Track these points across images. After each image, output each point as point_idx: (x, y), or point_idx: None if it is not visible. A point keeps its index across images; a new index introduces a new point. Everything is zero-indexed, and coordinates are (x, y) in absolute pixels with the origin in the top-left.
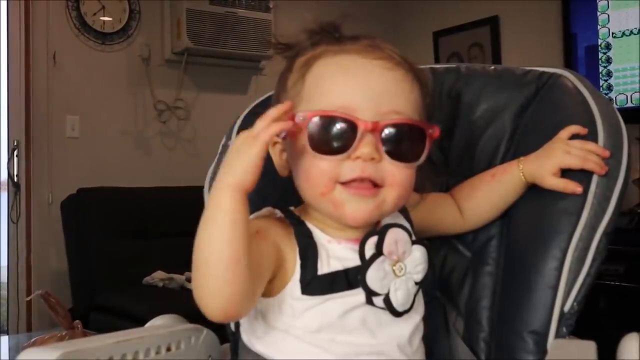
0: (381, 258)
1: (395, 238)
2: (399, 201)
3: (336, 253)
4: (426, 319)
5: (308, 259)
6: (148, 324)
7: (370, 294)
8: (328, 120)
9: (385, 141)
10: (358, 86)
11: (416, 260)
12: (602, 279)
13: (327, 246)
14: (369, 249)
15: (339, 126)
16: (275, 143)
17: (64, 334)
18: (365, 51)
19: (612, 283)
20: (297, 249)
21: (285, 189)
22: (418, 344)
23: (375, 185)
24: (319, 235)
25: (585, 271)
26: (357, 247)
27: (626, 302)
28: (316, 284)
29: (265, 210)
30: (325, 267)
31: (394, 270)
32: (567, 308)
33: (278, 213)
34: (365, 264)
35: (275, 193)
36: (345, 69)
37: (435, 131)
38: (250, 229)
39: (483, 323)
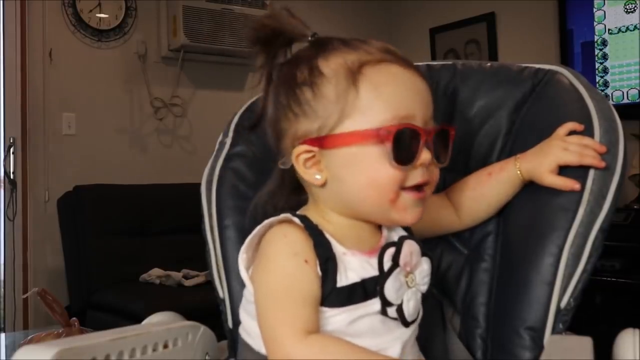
0: (398, 269)
1: (411, 250)
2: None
3: (351, 265)
4: (423, 316)
5: (328, 271)
6: (145, 321)
7: (385, 305)
8: (406, 132)
9: (433, 146)
10: (414, 95)
11: (424, 272)
12: (598, 275)
13: (343, 258)
14: (387, 261)
15: (412, 137)
16: (299, 154)
17: (60, 331)
18: (397, 60)
19: (609, 279)
20: (317, 261)
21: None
22: (414, 342)
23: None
24: (336, 247)
25: (582, 267)
26: (369, 258)
27: (622, 298)
28: (334, 296)
29: (283, 216)
30: (343, 279)
31: (406, 282)
32: (563, 304)
33: (295, 220)
34: (384, 275)
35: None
36: (398, 78)
37: (454, 132)
38: (300, 257)
39: (479, 319)
